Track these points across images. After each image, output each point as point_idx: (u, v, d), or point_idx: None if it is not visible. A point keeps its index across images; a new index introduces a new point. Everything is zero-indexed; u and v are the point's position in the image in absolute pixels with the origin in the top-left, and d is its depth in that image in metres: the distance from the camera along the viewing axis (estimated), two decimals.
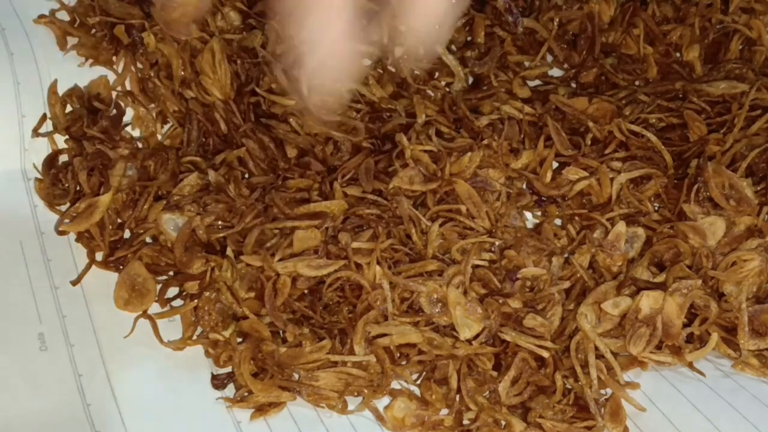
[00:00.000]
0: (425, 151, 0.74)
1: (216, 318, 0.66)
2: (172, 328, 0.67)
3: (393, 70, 0.83)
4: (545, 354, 0.64)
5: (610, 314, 0.66)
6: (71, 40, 0.81)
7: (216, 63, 0.78)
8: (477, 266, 0.69)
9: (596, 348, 0.65)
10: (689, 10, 0.90)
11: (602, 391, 0.64)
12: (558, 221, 0.75)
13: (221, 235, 0.69)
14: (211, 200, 0.71)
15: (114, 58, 0.81)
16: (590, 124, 0.79)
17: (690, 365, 0.66)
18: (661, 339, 0.65)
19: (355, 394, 0.64)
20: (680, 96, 0.83)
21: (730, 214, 0.72)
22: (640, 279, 0.69)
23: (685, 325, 0.67)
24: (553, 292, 0.68)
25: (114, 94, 0.80)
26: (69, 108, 0.78)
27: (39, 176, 0.76)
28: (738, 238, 0.71)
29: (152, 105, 0.80)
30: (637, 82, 0.86)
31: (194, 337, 0.66)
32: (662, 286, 0.67)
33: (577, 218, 0.75)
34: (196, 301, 0.66)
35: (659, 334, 0.65)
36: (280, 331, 0.66)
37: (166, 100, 0.79)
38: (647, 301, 0.66)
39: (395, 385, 0.65)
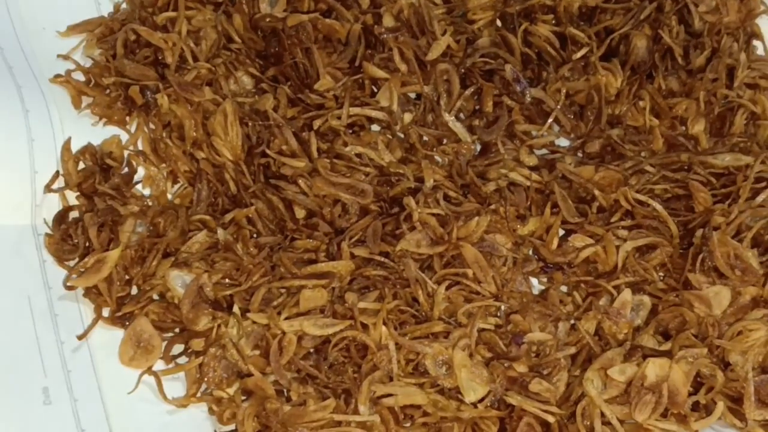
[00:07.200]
0: (433, 214, 0.74)
1: (220, 375, 0.66)
2: (177, 384, 0.67)
3: (402, 135, 0.84)
4: (551, 419, 0.64)
5: (617, 380, 0.66)
6: (86, 100, 0.83)
7: (228, 125, 0.79)
8: (483, 330, 0.69)
9: (602, 414, 0.64)
10: (695, 85, 0.91)
11: None
12: (564, 288, 0.76)
13: (228, 292, 0.69)
14: (220, 258, 0.71)
15: (127, 118, 0.82)
16: (596, 192, 0.79)
17: None
18: (666, 407, 0.65)
19: None
20: (686, 168, 0.83)
21: (736, 284, 0.72)
22: (646, 347, 0.69)
23: (690, 394, 0.67)
24: (559, 358, 0.68)
25: (126, 153, 0.81)
26: (81, 165, 0.79)
27: (49, 231, 0.76)
28: (743, 308, 0.71)
29: (163, 165, 0.81)
30: (643, 153, 0.87)
31: (198, 394, 0.66)
32: (668, 354, 0.67)
33: (583, 285, 0.75)
34: (201, 358, 0.66)
35: (665, 402, 0.65)
36: (285, 390, 0.65)
37: (178, 160, 0.80)
38: (653, 369, 0.66)
39: None
